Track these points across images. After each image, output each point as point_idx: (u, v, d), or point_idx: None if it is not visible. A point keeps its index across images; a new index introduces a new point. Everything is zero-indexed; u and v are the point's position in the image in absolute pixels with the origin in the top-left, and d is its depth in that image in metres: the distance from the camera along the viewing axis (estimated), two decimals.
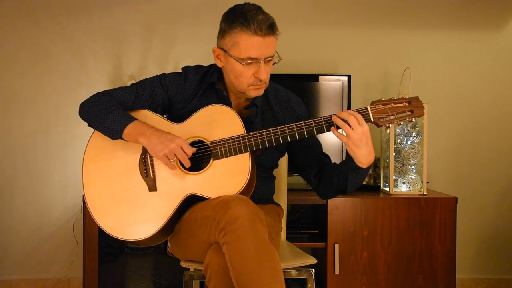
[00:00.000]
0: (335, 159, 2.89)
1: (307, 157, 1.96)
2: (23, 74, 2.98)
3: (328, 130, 1.71)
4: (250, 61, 1.73)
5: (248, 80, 1.76)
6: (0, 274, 2.98)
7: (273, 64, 1.79)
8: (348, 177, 1.81)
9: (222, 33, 1.78)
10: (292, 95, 1.99)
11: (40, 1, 2.98)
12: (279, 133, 1.73)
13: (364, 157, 1.71)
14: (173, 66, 3.02)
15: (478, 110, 3.16)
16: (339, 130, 1.69)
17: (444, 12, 3.14)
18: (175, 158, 1.72)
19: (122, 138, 1.77)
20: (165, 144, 1.71)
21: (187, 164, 1.74)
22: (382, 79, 3.12)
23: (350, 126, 1.66)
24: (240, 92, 1.83)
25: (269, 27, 1.71)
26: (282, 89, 1.98)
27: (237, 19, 1.71)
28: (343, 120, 1.67)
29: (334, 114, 1.69)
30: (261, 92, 1.82)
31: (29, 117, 2.99)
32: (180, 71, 1.93)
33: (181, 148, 1.71)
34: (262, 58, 1.73)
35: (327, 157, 1.99)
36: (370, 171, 2.89)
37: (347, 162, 1.78)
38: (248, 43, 1.70)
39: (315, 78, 2.93)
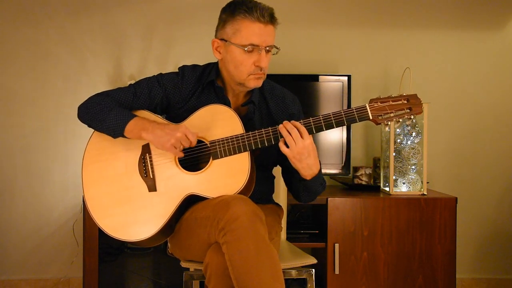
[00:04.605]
0: (336, 159, 2.91)
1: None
2: (23, 74, 2.98)
3: (276, 142, 1.72)
4: (252, 48, 1.75)
5: (249, 69, 1.78)
6: (0, 274, 2.98)
7: (273, 54, 1.81)
8: (298, 187, 1.85)
9: (222, 24, 1.80)
10: (288, 93, 1.99)
11: (40, 1, 2.97)
12: (279, 132, 1.73)
13: (304, 170, 1.73)
14: (173, 66, 3.02)
15: (478, 110, 3.16)
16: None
17: (444, 12, 3.13)
18: (181, 146, 1.73)
19: (123, 136, 1.77)
20: (171, 135, 1.70)
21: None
22: (382, 79, 3.12)
23: (293, 138, 1.68)
24: (239, 83, 1.82)
25: (271, 16, 1.76)
26: (278, 87, 1.98)
27: (239, 7, 1.75)
28: (288, 131, 1.69)
29: (279, 125, 1.71)
30: (260, 82, 1.82)
31: (29, 117, 2.98)
32: (177, 71, 1.93)
33: (186, 136, 1.72)
34: (263, 45, 1.76)
35: None
36: (370, 171, 2.89)
37: (295, 173, 1.80)
38: (250, 29, 1.74)
39: (315, 78, 2.93)
